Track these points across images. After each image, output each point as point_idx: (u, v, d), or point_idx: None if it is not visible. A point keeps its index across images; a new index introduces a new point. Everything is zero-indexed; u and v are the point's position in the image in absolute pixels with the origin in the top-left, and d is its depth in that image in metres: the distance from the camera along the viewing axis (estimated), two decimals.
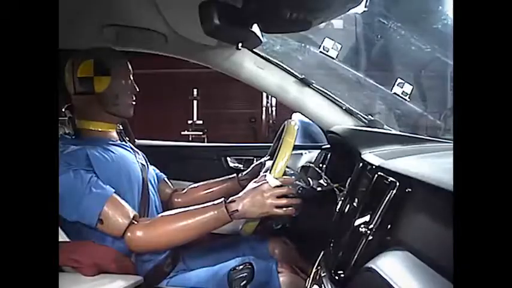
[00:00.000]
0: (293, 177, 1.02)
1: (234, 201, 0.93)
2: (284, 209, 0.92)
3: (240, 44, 0.90)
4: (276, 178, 0.93)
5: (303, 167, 1.19)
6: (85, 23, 1.14)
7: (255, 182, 0.96)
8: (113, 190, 0.94)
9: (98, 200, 0.91)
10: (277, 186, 0.93)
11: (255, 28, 0.84)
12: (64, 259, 0.83)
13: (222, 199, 0.94)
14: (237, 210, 0.91)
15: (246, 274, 0.85)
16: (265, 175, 0.95)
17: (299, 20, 0.75)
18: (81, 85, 1.05)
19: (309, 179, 1.05)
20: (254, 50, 1.29)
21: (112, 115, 1.09)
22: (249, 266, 0.87)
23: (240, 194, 0.94)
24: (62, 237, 0.88)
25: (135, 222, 0.92)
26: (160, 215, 1.02)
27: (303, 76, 1.33)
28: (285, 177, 0.97)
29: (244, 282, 0.84)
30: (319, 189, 1.04)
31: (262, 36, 0.93)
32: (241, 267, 0.88)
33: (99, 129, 1.09)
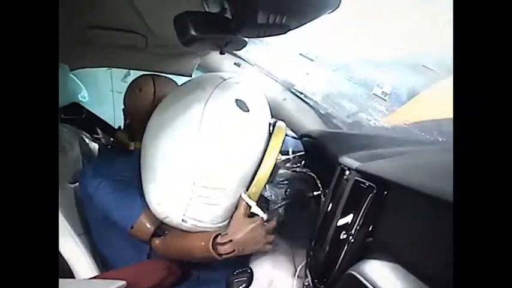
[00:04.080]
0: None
1: (231, 241, 0.92)
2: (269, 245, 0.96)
3: (223, 48, 0.88)
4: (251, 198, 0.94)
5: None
6: (65, 25, 1.10)
7: (244, 217, 0.95)
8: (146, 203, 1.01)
9: (135, 210, 1.01)
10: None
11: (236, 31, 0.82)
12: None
13: (210, 243, 0.91)
14: (234, 250, 0.92)
15: (245, 278, 0.85)
16: (247, 203, 0.94)
17: (276, 24, 0.74)
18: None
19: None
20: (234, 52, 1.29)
21: None
22: (249, 271, 0.87)
23: (232, 231, 0.94)
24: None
25: (158, 231, 1.02)
26: (170, 232, 1.03)
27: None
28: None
29: (242, 286, 0.84)
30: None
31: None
32: (240, 271, 0.88)
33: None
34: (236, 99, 0.91)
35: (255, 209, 0.94)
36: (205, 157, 0.85)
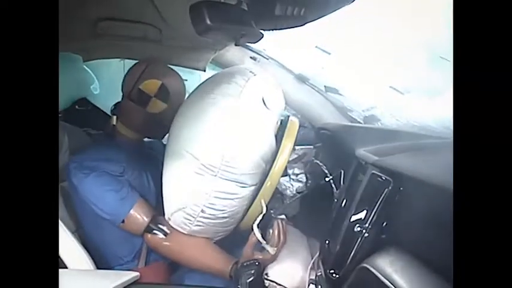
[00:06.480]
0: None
1: None
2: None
3: (239, 40, 0.88)
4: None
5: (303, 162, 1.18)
6: (79, 16, 1.11)
7: (252, 253, 0.95)
8: (138, 195, 1.02)
9: (126, 203, 0.99)
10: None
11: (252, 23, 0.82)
12: None
13: (229, 271, 0.94)
14: None
15: (253, 271, 0.86)
16: (262, 243, 0.95)
17: (294, 16, 0.73)
18: (138, 96, 1.09)
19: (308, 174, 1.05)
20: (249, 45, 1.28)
21: (148, 131, 1.15)
22: (257, 264, 0.88)
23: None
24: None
25: (152, 225, 0.99)
26: (177, 238, 1.01)
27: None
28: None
29: (250, 278, 0.84)
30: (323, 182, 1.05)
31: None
32: (248, 263, 0.88)
33: (134, 138, 1.15)
34: (263, 98, 0.95)
35: (265, 246, 0.95)
36: (234, 140, 0.88)
